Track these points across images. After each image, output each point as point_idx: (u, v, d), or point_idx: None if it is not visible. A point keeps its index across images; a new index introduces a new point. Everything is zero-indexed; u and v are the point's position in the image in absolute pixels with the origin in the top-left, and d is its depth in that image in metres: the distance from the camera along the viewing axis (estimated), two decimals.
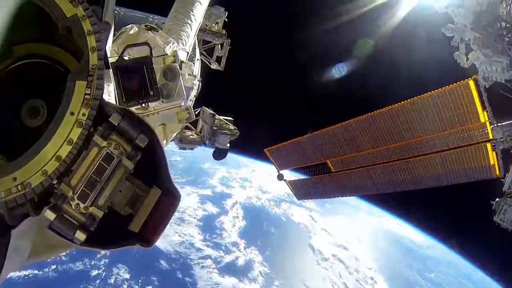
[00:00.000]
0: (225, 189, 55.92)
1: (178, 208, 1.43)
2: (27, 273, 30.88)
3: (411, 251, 59.01)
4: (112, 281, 33.61)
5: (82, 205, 1.19)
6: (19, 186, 1.11)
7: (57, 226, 1.18)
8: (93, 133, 1.22)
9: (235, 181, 60.24)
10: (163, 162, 1.38)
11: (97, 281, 33.15)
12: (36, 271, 31.34)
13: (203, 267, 38.97)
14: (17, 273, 30.13)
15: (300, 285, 41.91)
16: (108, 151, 1.22)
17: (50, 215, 1.17)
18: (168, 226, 1.41)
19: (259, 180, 62.06)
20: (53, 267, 32.37)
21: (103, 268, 34.39)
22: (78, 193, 1.18)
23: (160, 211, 1.37)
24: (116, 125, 1.24)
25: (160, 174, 1.38)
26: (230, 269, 40.02)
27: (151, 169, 1.36)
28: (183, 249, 40.32)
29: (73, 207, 1.19)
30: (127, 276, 34.47)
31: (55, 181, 1.18)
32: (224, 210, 50.00)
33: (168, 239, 40.55)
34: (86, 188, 1.19)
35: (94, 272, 33.73)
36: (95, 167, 1.20)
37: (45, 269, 31.87)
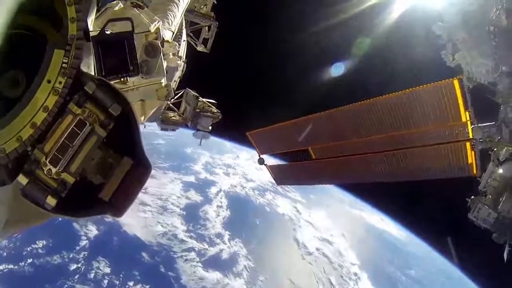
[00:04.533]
0: (209, 176, 55.23)
1: (147, 182, 1.46)
2: (2, 268, 29.67)
3: (392, 246, 60.88)
4: (92, 276, 32.68)
5: (54, 170, 1.24)
6: None
7: (29, 190, 1.22)
8: (69, 101, 1.26)
9: (219, 167, 59.70)
10: (136, 133, 1.41)
11: (76, 276, 32.09)
12: (11, 266, 30.14)
13: (186, 260, 38.54)
14: None
15: (285, 280, 42.14)
16: (81, 118, 1.26)
17: (22, 179, 1.21)
18: (138, 196, 1.44)
19: (243, 167, 61.93)
20: (29, 260, 31.21)
21: (82, 262, 33.42)
22: (50, 157, 1.23)
23: (131, 181, 1.40)
24: (91, 93, 1.28)
25: (132, 144, 1.41)
26: (215, 263, 39.79)
27: (123, 139, 1.40)
28: (166, 241, 39.73)
29: (45, 172, 1.24)
30: (108, 270, 33.71)
31: (29, 148, 1.22)
32: (208, 199, 49.40)
33: (150, 230, 39.89)
34: (58, 153, 1.24)
35: (73, 266, 32.71)
36: (68, 132, 1.25)
37: (20, 263, 30.67)
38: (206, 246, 41.49)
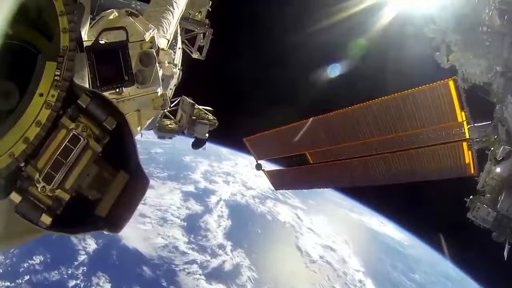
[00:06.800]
0: (208, 185, 54.49)
1: (145, 196, 1.42)
2: None
3: (394, 250, 60.28)
4: None
5: (48, 188, 1.19)
6: None
7: (23, 209, 1.18)
8: (62, 115, 1.22)
9: (218, 175, 59.03)
10: (132, 146, 1.37)
11: None
12: (8, 283, 29.33)
13: (189, 273, 37.59)
14: None
15: None
16: (75, 133, 1.22)
17: (15, 197, 1.17)
18: (136, 211, 1.39)
19: (242, 174, 61.35)
20: (27, 277, 30.36)
21: (81, 277, 32.55)
22: (43, 175, 1.19)
23: (128, 195, 1.36)
24: (85, 107, 1.24)
25: (128, 158, 1.37)
26: (217, 275, 38.85)
27: (119, 153, 1.36)
28: (167, 253, 38.80)
29: (39, 190, 1.19)
30: (108, 286, 32.89)
31: (22, 164, 1.18)
32: (208, 209, 48.59)
33: (151, 242, 38.99)
34: (51, 170, 1.19)
35: (72, 283, 31.84)
36: (61, 149, 1.20)
37: (17, 280, 29.85)
38: (208, 258, 40.55)
